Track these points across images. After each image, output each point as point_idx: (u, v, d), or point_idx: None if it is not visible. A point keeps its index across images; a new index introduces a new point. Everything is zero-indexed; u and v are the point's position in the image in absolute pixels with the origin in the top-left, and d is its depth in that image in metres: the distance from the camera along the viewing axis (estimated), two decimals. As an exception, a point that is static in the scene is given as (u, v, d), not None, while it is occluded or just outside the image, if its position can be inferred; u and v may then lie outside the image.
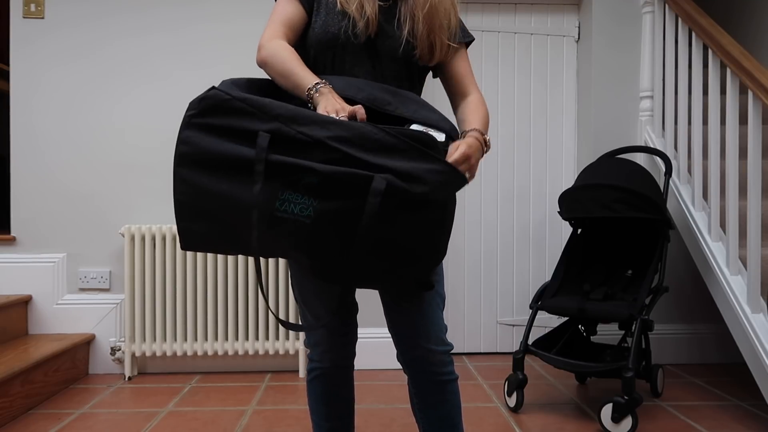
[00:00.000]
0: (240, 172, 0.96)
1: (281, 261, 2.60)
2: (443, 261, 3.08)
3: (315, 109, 1.04)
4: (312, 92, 1.05)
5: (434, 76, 1.32)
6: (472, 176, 1.09)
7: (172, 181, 1.02)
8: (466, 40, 1.28)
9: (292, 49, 1.14)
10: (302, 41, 1.23)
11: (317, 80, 1.07)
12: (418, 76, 1.27)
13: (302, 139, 0.97)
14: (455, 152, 1.03)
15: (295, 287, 1.27)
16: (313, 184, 0.95)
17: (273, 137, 0.97)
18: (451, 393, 1.23)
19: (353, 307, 1.30)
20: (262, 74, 2.20)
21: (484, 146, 1.14)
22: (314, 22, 1.19)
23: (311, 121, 0.97)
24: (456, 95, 1.28)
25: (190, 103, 1.00)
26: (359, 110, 1.02)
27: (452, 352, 1.27)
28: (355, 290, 1.29)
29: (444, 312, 1.24)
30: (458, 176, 1.01)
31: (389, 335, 1.23)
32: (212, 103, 0.98)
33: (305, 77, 1.08)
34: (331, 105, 1.02)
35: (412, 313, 1.19)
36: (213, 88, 1.00)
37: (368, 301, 2.60)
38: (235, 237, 1.01)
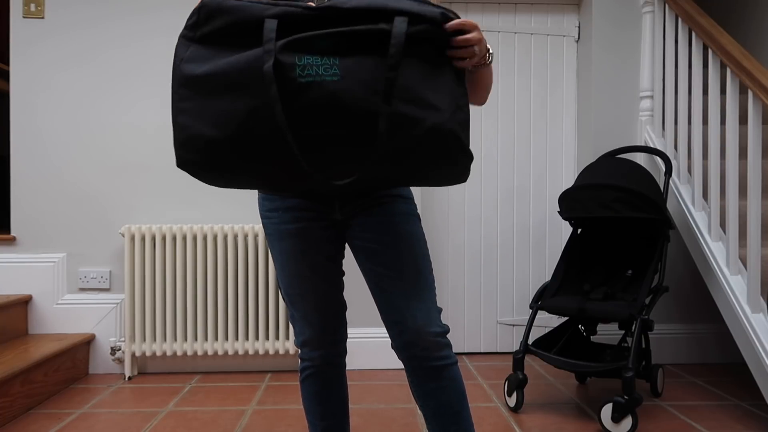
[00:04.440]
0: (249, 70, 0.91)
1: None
2: (443, 260, 3.02)
3: None
4: None
5: None
6: (481, 55, 1.01)
7: (172, 106, 0.99)
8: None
9: None
10: None
11: None
12: None
13: (312, 15, 0.93)
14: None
15: (282, 287, 1.25)
16: (330, 45, 0.91)
17: (280, 21, 0.93)
18: (450, 379, 1.17)
19: (341, 306, 1.29)
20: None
21: (487, 48, 1.06)
22: None
23: None
24: None
25: (190, 16, 0.97)
26: None
27: (453, 352, 1.24)
28: (342, 289, 1.29)
29: (443, 311, 1.21)
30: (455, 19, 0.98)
31: (389, 335, 1.21)
32: (211, 8, 0.96)
33: None
34: None
35: (399, 292, 1.16)
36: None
37: (367, 300, 2.60)
38: (260, 142, 0.94)
